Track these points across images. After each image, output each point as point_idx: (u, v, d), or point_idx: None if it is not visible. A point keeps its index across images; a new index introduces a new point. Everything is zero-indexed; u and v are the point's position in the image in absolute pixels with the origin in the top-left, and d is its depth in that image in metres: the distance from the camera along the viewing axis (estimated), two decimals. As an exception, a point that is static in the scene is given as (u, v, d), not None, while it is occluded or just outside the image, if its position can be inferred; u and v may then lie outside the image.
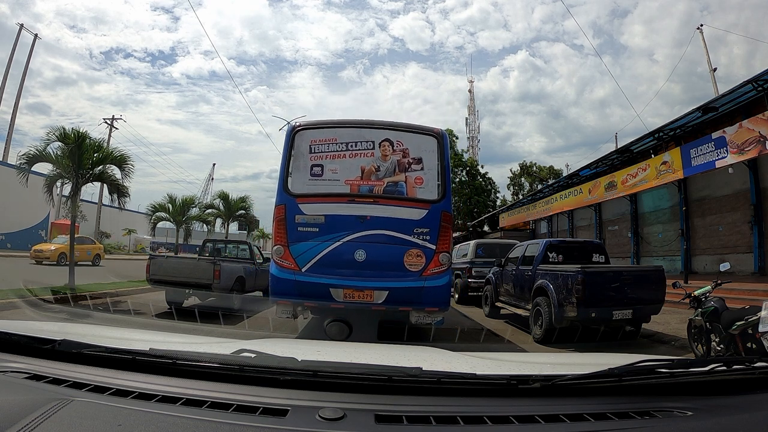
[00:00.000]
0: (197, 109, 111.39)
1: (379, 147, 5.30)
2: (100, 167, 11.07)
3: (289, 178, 5.29)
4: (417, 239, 5.13)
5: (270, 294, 5.39)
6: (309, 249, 5.12)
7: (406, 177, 5.29)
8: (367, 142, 5.32)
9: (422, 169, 5.30)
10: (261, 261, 10.89)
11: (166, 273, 8.30)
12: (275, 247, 5.26)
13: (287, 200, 5.22)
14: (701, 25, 25.87)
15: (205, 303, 8.42)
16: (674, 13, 79.03)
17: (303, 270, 5.09)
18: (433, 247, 5.14)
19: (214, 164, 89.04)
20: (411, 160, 5.31)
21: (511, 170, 43.51)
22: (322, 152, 5.30)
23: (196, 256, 11.38)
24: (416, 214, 5.17)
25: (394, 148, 5.31)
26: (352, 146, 5.31)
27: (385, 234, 5.12)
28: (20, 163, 11.19)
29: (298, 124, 5.59)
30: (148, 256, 9.22)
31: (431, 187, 5.28)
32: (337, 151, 5.30)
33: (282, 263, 5.17)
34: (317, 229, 5.13)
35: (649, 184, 15.03)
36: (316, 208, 5.17)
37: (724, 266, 6.22)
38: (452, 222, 5.73)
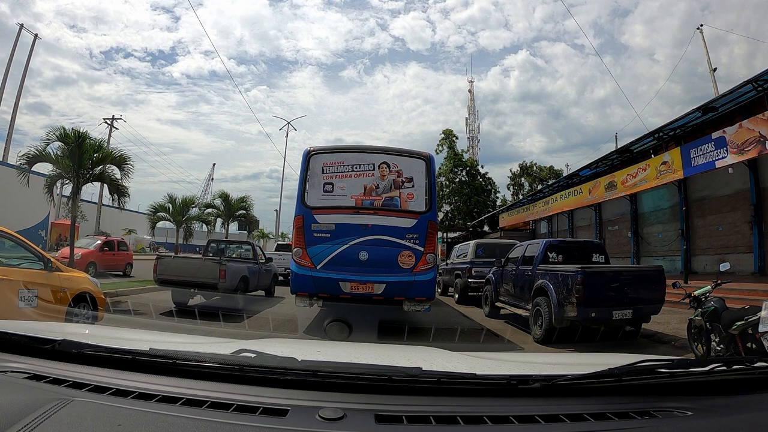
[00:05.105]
0: (197, 109, 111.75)
1: (378, 168, 6.43)
2: (100, 167, 11.09)
3: (306, 194, 6.36)
4: (408, 243, 6.21)
5: (291, 287, 6.41)
6: (322, 250, 6.17)
7: (399, 193, 6.40)
8: (368, 164, 6.44)
9: (413, 186, 6.40)
10: (264, 261, 10.95)
11: (173, 273, 8.41)
12: (295, 249, 6.32)
13: (304, 211, 6.29)
14: (701, 25, 25.87)
15: (210, 302, 8.47)
16: (675, 12, 79.22)
17: (318, 267, 6.13)
18: (422, 249, 6.21)
19: (214, 164, 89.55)
20: (404, 179, 6.42)
21: (510, 170, 43.55)
22: (332, 173, 6.41)
23: (200, 255, 11.43)
24: (408, 222, 6.26)
25: (390, 169, 6.43)
26: (356, 168, 6.44)
27: (383, 239, 6.17)
28: (20, 163, 11.19)
29: (312, 149, 6.59)
30: (155, 257, 9.29)
31: (420, 201, 6.36)
32: (345, 171, 6.42)
33: (301, 262, 6.20)
34: (329, 235, 6.18)
35: (649, 184, 15.01)
36: (328, 217, 6.24)
37: (724, 266, 6.21)
38: (437, 229, 6.84)
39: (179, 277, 8.29)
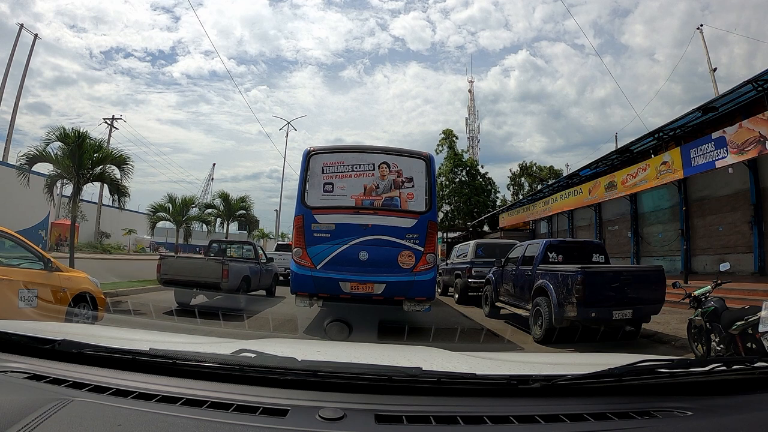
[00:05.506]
0: (197, 109, 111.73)
1: (378, 168, 6.42)
2: (101, 167, 11.08)
3: (306, 194, 6.35)
4: (408, 243, 6.21)
5: (291, 287, 6.40)
6: (322, 250, 6.17)
7: (399, 193, 6.39)
8: (368, 164, 6.44)
9: (413, 186, 6.39)
10: (265, 261, 11.01)
11: (177, 272, 8.50)
12: (295, 249, 6.31)
13: (304, 211, 6.29)
14: (701, 25, 25.84)
15: (212, 302, 8.52)
16: (675, 12, 79.27)
17: (318, 267, 6.13)
18: (422, 249, 6.21)
19: (214, 164, 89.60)
20: (404, 179, 6.41)
21: (510, 170, 43.53)
22: (332, 173, 6.41)
23: (202, 255, 11.50)
24: (408, 222, 6.26)
25: (390, 169, 6.42)
26: (356, 168, 6.43)
27: (383, 239, 6.17)
28: (20, 163, 11.18)
29: (312, 149, 6.59)
30: (158, 257, 9.37)
31: (420, 201, 6.36)
32: (345, 171, 6.42)
33: (301, 262, 6.20)
34: (329, 235, 6.18)
35: (649, 184, 15.02)
36: (328, 218, 6.23)
37: (724, 266, 6.21)
38: (437, 229, 6.82)
39: (182, 277, 8.38)
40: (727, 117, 12.88)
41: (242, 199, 21.64)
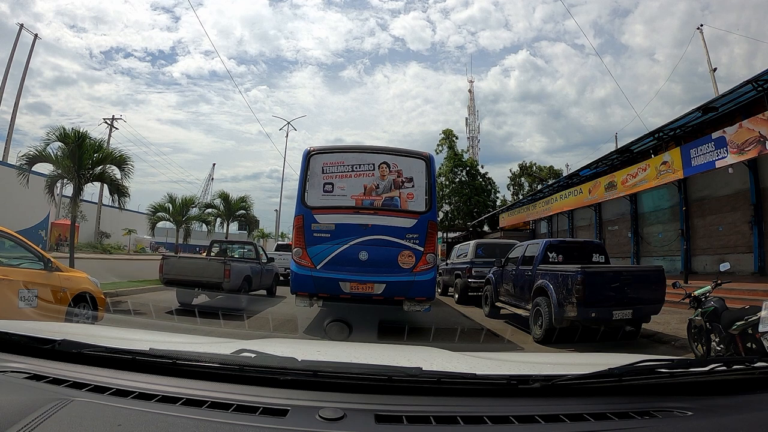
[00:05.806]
0: (197, 109, 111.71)
1: (378, 168, 6.43)
2: (101, 167, 11.08)
3: (306, 194, 6.36)
4: (408, 243, 6.21)
5: (291, 287, 6.41)
6: (322, 250, 6.17)
7: (399, 193, 6.40)
8: (368, 164, 6.44)
9: (413, 186, 6.40)
10: (265, 261, 11.04)
11: (179, 273, 8.54)
12: (295, 249, 6.32)
13: (304, 211, 6.30)
14: (701, 25, 25.83)
15: (214, 302, 8.55)
16: (675, 12, 79.30)
17: (318, 267, 6.13)
18: (422, 249, 6.21)
19: (214, 164, 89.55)
20: (404, 179, 6.42)
21: (510, 170, 43.53)
22: (332, 173, 6.41)
23: (204, 255, 11.55)
24: (408, 222, 6.26)
25: (391, 169, 6.43)
26: (356, 168, 6.44)
27: (383, 239, 6.17)
28: (20, 163, 11.19)
29: (312, 149, 6.59)
30: (161, 257, 9.42)
31: (420, 201, 6.37)
32: (345, 171, 6.42)
33: (301, 262, 6.20)
34: (329, 235, 6.18)
35: (649, 184, 15.02)
36: (328, 218, 6.24)
37: (724, 266, 6.21)
38: (437, 229, 6.83)
39: (185, 277, 8.42)
40: (727, 117, 12.88)
41: (242, 199, 21.63)
